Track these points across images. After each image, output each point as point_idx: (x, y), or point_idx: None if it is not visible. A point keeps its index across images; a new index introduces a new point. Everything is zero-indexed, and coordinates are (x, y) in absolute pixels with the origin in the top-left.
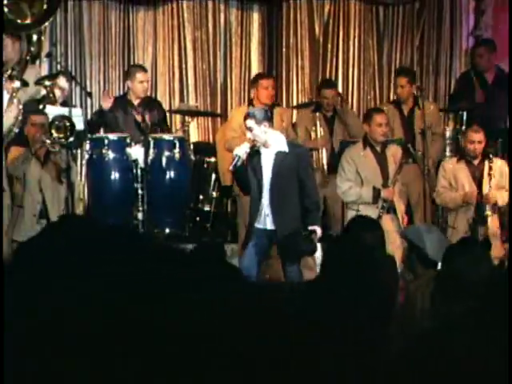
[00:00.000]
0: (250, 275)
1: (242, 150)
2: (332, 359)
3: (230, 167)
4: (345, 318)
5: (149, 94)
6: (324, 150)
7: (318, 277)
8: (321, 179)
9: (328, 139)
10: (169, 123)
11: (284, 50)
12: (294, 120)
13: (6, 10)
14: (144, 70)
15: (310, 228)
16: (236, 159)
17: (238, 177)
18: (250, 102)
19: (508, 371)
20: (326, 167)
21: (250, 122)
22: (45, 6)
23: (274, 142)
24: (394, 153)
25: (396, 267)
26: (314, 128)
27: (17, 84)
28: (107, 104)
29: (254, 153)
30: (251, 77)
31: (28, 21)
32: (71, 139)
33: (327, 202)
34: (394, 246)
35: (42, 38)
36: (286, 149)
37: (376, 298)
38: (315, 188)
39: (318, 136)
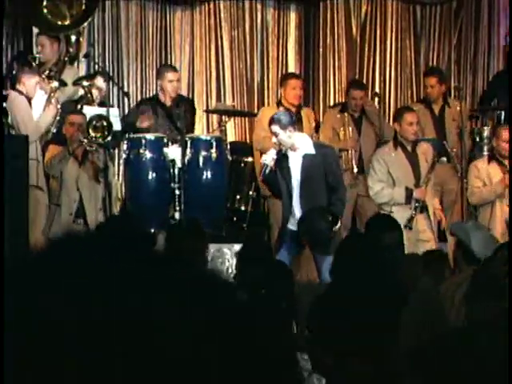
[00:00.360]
0: None
1: (269, 158)
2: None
3: (259, 176)
4: (357, 317)
5: (186, 93)
6: (353, 151)
7: (333, 272)
8: (351, 180)
9: (356, 140)
10: (206, 123)
11: (321, 49)
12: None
13: (45, 11)
14: (174, 69)
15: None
16: (264, 167)
17: (269, 183)
18: (279, 102)
19: (508, 371)
20: (355, 168)
21: (275, 128)
22: (83, 7)
23: (300, 145)
24: (424, 151)
25: (415, 265)
26: (342, 129)
27: (55, 84)
28: (146, 124)
29: (282, 156)
30: None
31: (67, 22)
32: (108, 139)
33: (359, 201)
34: (428, 245)
35: (81, 38)
36: (312, 151)
37: (388, 296)
38: (343, 186)
39: (347, 137)
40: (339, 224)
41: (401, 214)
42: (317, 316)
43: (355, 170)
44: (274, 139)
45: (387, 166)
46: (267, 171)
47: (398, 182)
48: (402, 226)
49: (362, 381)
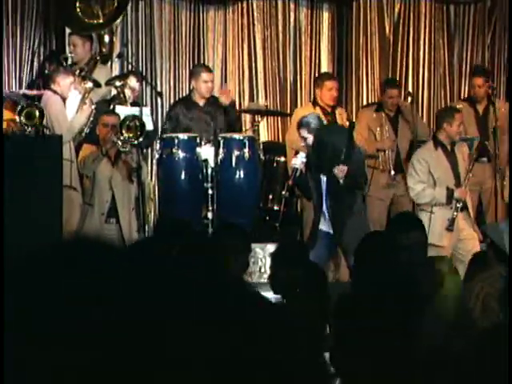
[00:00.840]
0: None
1: (299, 161)
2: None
3: (289, 181)
4: (376, 316)
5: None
6: (390, 151)
7: (352, 272)
8: (388, 180)
9: (393, 140)
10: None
11: (354, 49)
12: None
13: (77, 10)
14: (208, 69)
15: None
16: (294, 171)
17: (299, 187)
18: (314, 102)
19: (508, 370)
20: (392, 169)
21: (303, 132)
22: (115, 5)
23: None
24: (462, 151)
25: (441, 265)
26: (378, 128)
27: (89, 85)
28: (227, 98)
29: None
30: None
31: (100, 21)
32: (141, 139)
33: (395, 201)
34: (470, 242)
35: (114, 38)
36: None
37: (405, 297)
38: (359, 167)
39: (384, 137)
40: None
41: (442, 214)
42: (338, 316)
43: (392, 172)
44: (302, 143)
45: (428, 166)
46: (297, 174)
47: (438, 182)
48: (444, 228)
49: (382, 381)
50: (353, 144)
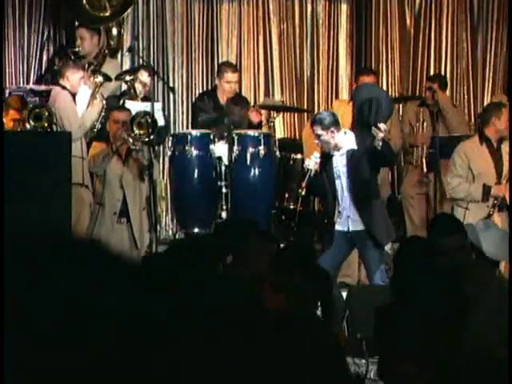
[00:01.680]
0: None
1: (312, 163)
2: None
3: (303, 183)
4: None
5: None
6: (424, 147)
7: (391, 277)
8: (419, 177)
9: (429, 136)
10: None
11: (373, 41)
12: None
13: (83, 2)
14: (233, 69)
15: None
16: (308, 172)
17: (313, 188)
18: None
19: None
20: (425, 165)
21: (317, 129)
22: None
23: (344, 144)
24: (507, 149)
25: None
26: (417, 124)
27: (99, 79)
28: (256, 118)
29: (327, 157)
30: (339, 70)
31: (107, 13)
32: (152, 136)
33: (432, 200)
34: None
35: (123, 31)
36: (355, 146)
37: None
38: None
39: (420, 132)
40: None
41: (476, 212)
42: (379, 328)
43: (425, 169)
44: (316, 141)
45: (468, 161)
46: (312, 174)
47: (477, 178)
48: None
49: None
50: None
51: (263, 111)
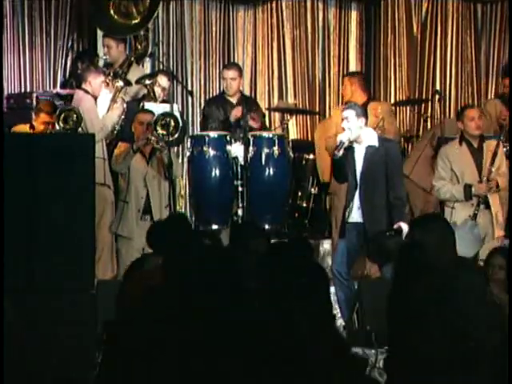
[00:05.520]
0: (342, 271)
1: (346, 137)
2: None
3: (335, 151)
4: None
5: (248, 92)
6: None
7: (393, 278)
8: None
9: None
10: (268, 121)
11: (382, 47)
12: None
13: (111, 13)
14: (228, 67)
15: (395, 226)
16: (340, 144)
17: (340, 165)
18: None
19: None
20: None
21: (350, 112)
22: (148, 2)
23: (365, 138)
24: (491, 148)
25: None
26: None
27: (120, 83)
28: (255, 123)
29: (348, 148)
30: None
31: (137, 20)
32: (175, 136)
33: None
34: (493, 242)
35: (149, 35)
36: (376, 143)
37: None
38: (402, 183)
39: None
40: (405, 231)
41: (462, 210)
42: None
43: None
44: (344, 123)
45: (450, 164)
46: (343, 148)
47: (461, 179)
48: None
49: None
50: None
51: (277, 114)
